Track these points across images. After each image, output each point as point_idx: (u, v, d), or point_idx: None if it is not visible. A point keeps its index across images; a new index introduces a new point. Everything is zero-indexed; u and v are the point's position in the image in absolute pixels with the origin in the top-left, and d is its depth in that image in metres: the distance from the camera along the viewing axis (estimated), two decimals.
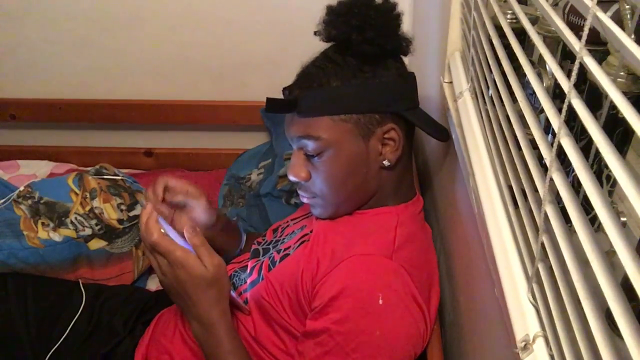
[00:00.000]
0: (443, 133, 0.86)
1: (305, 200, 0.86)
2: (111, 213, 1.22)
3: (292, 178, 0.82)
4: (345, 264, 0.74)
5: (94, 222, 1.19)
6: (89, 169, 1.39)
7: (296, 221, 0.97)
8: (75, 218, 1.18)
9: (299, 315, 0.80)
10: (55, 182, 1.29)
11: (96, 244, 1.18)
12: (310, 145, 0.78)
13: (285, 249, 0.88)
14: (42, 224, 1.15)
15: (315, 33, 0.78)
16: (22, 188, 1.24)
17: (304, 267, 0.79)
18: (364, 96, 0.77)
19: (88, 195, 1.23)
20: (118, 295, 1.09)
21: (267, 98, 0.76)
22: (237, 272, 0.94)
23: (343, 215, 0.85)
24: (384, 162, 0.80)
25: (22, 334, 0.98)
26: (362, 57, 0.76)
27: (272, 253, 0.90)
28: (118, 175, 1.35)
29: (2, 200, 1.21)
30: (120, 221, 1.22)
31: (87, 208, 1.20)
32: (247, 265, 0.93)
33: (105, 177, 1.32)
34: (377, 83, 0.78)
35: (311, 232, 0.86)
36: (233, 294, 0.84)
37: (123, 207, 1.25)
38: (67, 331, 0.98)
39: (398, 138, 0.80)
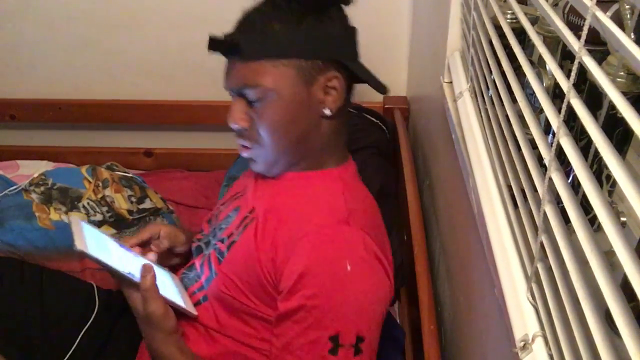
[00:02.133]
0: (382, 86, 0.86)
1: (245, 154, 0.84)
2: (122, 203, 1.24)
3: (232, 125, 0.81)
4: (306, 239, 0.74)
5: (105, 209, 1.21)
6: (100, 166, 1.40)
7: (227, 204, 0.96)
8: (88, 203, 1.20)
9: (264, 300, 0.80)
10: (69, 170, 1.32)
11: (106, 231, 1.19)
12: (252, 90, 0.77)
13: (228, 237, 0.87)
14: (55, 208, 1.16)
15: None
16: (35, 175, 1.25)
17: (260, 249, 0.79)
18: (307, 42, 0.77)
19: (100, 184, 1.25)
20: (129, 312, 1.09)
21: (210, 36, 0.76)
22: (184, 274, 0.93)
23: (282, 169, 0.84)
24: (324, 110, 0.80)
25: (36, 338, 0.97)
26: (306, 3, 0.76)
27: (215, 244, 0.89)
28: (128, 173, 1.36)
29: (13, 188, 1.22)
30: (130, 212, 1.24)
31: (99, 195, 1.22)
32: (193, 264, 0.92)
33: (116, 172, 1.33)
34: (320, 30, 0.77)
35: (251, 211, 0.85)
36: (179, 300, 0.83)
37: (133, 199, 1.27)
38: (76, 344, 0.97)
39: (340, 87, 0.79)
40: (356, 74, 0.81)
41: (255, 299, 0.80)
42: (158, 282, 0.79)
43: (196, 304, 0.87)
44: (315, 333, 0.71)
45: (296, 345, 0.73)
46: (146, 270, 0.78)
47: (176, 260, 0.98)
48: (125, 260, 0.81)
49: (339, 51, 0.80)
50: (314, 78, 0.78)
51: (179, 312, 0.82)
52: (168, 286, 0.83)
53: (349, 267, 0.71)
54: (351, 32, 0.82)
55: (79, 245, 0.76)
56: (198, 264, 0.91)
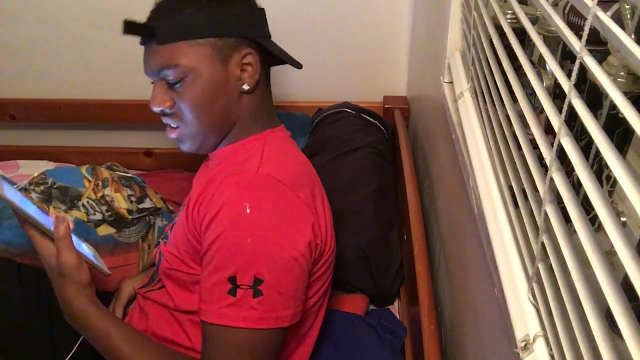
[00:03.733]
0: (296, 62, 0.90)
1: (172, 135, 0.88)
2: (121, 202, 1.24)
3: (155, 109, 0.85)
4: (216, 191, 0.78)
5: (104, 208, 1.21)
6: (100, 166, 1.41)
7: (183, 205, 1.01)
8: (87, 202, 1.20)
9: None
10: (69, 170, 1.32)
11: (105, 230, 1.19)
12: (171, 72, 0.81)
13: (174, 223, 0.93)
14: (54, 207, 1.17)
15: None
16: (36, 174, 1.25)
17: (189, 216, 0.82)
18: (218, 20, 0.81)
19: (100, 184, 1.25)
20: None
21: (125, 20, 0.78)
22: (154, 274, 0.98)
23: (211, 146, 0.89)
24: (243, 86, 0.84)
25: (35, 340, 0.97)
26: None
27: (167, 234, 0.94)
28: (128, 173, 1.37)
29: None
30: (129, 211, 1.24)
31: (99, 195, 1.23)
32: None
33: (116, 172, 1.34)
34: (229, 10, 0.82)
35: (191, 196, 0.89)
36: (91, 257, 0.83)
37: (133, 198, 1.27)
38: (77, 346, 0.97)
39: (255, 63, 0.84)
40: (268, 49, 0.86)
41: (195, 264, 0.83)
42: (72, 239, 0.77)
43: (160, 289, 0.91)
44: (217, 275, 0.73)
45: (204, 289, 0.75)
46: (59, 220, 0.76)
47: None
48: (40, 215, 0.77)
49: (248, 28, 0.84)
50: (229, 55, 0.82)
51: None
52: (82, 245, 0.84)
53: (248, 210, 0.73)
54: (259, 12, 0.88)
55: None
56: (153, 254, 0.97)
